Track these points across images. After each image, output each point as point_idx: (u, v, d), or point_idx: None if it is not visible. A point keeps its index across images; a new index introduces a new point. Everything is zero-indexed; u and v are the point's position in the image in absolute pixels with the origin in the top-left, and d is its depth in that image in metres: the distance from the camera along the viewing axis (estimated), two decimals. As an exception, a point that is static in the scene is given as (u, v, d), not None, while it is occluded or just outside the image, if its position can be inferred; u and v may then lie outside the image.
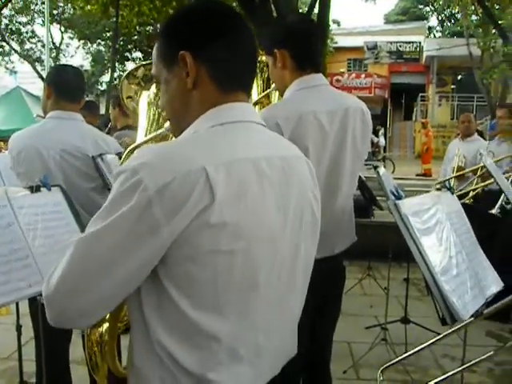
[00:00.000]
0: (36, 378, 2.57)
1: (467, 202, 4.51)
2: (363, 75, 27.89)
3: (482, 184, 4.47)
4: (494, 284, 1.72)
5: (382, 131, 23.82)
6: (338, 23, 31.23)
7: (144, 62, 2.01)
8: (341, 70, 27.90)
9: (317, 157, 1.89)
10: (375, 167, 3.43)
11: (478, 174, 4.70)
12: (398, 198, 1.43)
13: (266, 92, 2.44)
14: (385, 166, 17.61)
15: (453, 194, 1.80)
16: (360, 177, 4.32)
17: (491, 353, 1.42)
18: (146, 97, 1.84)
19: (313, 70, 1.99)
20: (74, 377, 2.72)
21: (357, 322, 4.64)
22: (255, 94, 2.47)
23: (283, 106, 1.98)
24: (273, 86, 2.31)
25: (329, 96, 2.00)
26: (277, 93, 2.35)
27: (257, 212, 1.04)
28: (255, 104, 2.41)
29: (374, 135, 21.63)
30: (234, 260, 1.01)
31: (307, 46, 1.99)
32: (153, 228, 0.94)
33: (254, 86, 2.47)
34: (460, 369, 1.66)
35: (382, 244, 4.35)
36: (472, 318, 1.56)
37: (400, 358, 1.84)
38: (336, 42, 27.72)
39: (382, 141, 23.09)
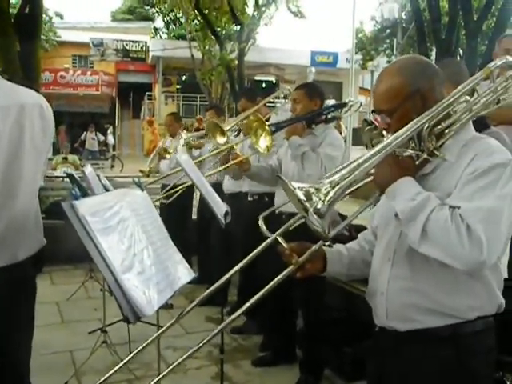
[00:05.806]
0: None
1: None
2: (89, 72, 27.20)
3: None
4: (184, 276, 1.79)
5: (110, 129, 23.57)
6: (61, 16, 29.68)
7: None
8: (65, 66, 26.78)
9: None
10: (82, 166, 3.35)
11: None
12: (76, 198, 1.36)
13: None
14: (113, 165, 17.52)
15: (143, 190, 1.82)
16: (74, 176, 4.17)
17: (192, 350, 1.45)
18: None
19: None
20: None
21: (81, 327, 4.50)
22: None
23: None
24: None
25: (1, 91, 1.80)
26: None
27: None
28: None
29: (101, 134, 21.29)
30: None
31: None
32: None
33: None
34: (180, 360, 1.60)
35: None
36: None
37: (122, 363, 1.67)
38: (59, 36, 26.53)
39: (110, 139, 22.85)
